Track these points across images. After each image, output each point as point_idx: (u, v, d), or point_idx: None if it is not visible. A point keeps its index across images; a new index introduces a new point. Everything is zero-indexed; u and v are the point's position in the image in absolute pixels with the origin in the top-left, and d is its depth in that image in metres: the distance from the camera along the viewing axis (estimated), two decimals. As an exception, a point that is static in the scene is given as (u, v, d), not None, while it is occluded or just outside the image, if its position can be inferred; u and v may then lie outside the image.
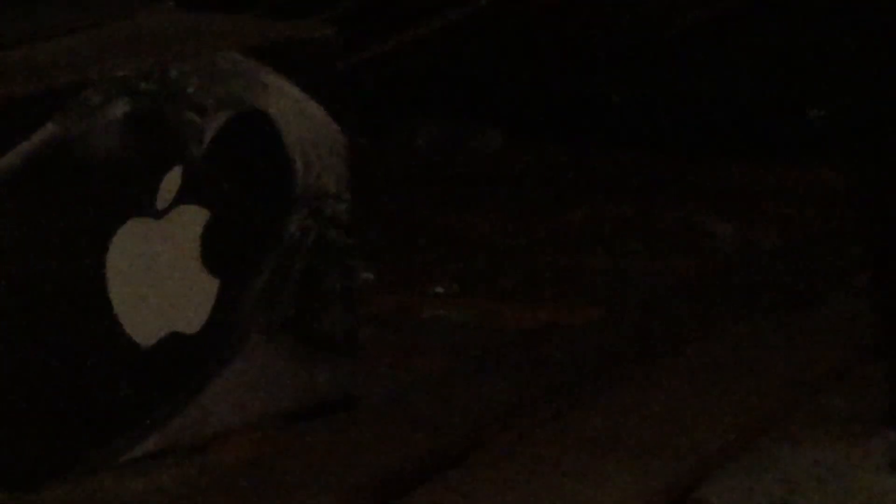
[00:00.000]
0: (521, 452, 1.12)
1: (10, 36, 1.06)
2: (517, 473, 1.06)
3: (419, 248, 1.78)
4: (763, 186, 2.00)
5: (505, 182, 2.20)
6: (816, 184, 1.99)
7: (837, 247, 1.78)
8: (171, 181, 1.02)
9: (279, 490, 1.04)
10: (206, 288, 1.05)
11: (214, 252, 1.06)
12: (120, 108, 0.99)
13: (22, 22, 1.08)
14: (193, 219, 1.04)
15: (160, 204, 1.02)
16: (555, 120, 2.40)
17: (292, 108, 1.10)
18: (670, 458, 1.10)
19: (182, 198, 1.03)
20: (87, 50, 1.07)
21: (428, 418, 1.19)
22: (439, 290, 1.56)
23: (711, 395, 1.24)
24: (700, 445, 1.12)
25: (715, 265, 1.83)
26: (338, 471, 1.06)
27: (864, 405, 1.25)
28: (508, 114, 2.42)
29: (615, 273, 1.75)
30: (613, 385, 1.30)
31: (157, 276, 1.01)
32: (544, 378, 1.31)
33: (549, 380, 1.31)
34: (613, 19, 2.49)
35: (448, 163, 2.18)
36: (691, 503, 1.06)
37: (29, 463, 0.99)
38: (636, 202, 2.05)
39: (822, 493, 1.07)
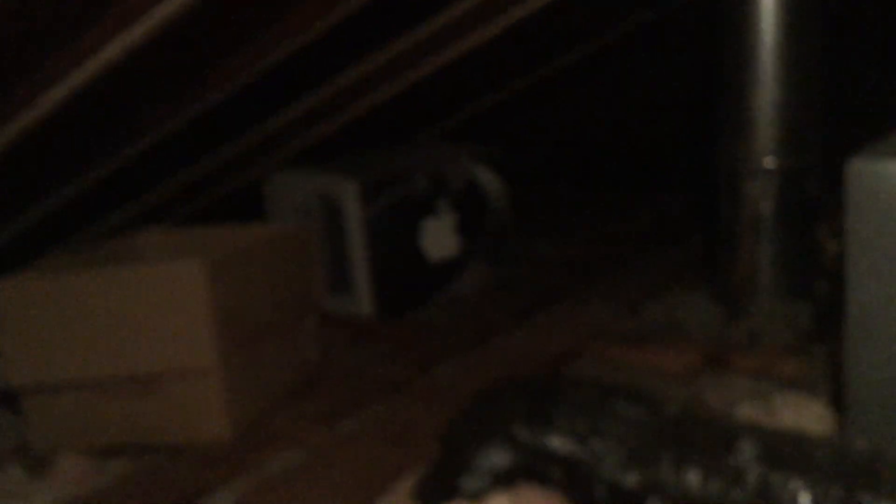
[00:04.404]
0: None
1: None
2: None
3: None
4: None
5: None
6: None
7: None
8: (444, 204, 2.71)
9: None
10: (457, 242, 2.73)
11: (460, 229, 2.72)
12: (424, 182, 2.68)
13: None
14: (452, 218, 2.72)
15: (440, 212, 2.72)
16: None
17: (486, 177, 2.78)
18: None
19: (448, 210, 2.72)
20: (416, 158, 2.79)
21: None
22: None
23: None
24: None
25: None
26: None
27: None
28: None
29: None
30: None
31: (441, 235, 2.71)
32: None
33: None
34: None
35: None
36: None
37: (398, 299, 2.64)
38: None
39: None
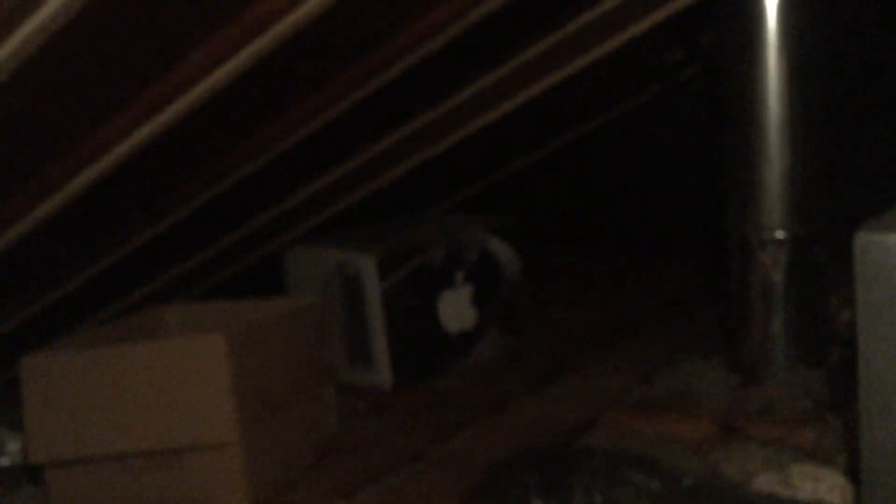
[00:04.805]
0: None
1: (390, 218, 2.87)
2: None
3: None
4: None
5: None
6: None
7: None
8: (460, 275, 2.75)
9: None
10: (473, 312, 2.76)
11: (476, 299, 2.76)
12: (441, 254, 2.72)
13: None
14: (468, 289, 2.76)
15: (456, 284, 2.74)
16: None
17: (500, 248, 2.82)
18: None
19: (463, 281, 2.76)
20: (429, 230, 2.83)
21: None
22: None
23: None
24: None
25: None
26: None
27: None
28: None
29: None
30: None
31: (457, 307, 2.73)
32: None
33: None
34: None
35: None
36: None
37: (416, 370, 2.66)
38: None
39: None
